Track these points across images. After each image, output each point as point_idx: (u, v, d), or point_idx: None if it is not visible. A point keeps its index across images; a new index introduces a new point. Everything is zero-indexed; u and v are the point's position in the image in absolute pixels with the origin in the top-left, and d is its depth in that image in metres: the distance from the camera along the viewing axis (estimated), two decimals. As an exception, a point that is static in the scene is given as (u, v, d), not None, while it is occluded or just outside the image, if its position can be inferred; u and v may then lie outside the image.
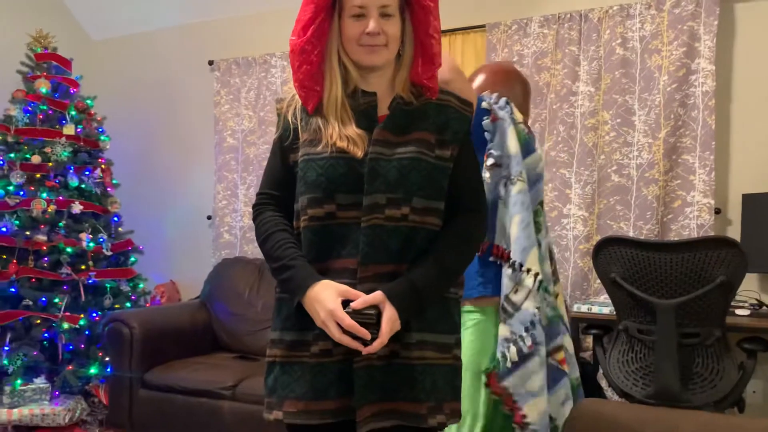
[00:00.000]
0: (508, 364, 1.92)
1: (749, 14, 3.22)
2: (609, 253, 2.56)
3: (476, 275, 1.99)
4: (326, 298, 1.36)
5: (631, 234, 3.29)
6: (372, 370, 1.39)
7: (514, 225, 1.97)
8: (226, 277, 3.98)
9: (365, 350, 1.35)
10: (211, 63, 4.54)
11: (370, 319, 1.33)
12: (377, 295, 1.36)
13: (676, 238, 3.20)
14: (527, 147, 2.08)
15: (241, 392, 3.14)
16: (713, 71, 3.17)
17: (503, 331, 1.95)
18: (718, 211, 3.19)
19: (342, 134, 1.44)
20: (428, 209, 1.45)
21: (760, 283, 3.15)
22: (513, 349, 1.92)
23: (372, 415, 1.39)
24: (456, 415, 1.47)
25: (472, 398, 1.97)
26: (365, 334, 1.33)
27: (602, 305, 2.96)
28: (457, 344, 1.52)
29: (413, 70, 1.50)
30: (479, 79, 2.19)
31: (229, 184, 4.44)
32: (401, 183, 1.41)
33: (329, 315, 1.35)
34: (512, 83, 2.18)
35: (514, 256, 1.96)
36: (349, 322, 1.33)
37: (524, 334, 1.93)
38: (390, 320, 1.35)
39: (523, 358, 1.93)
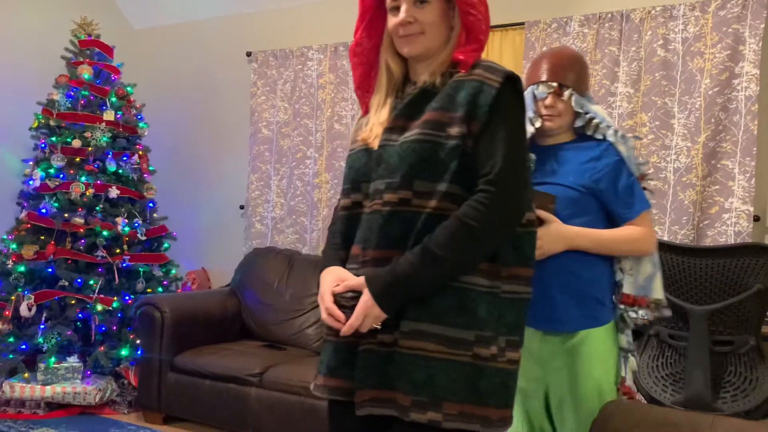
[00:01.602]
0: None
1: (797, 18, 3.14)
2: (643, 256, 2.52)
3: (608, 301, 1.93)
4: (323, 282, 1.46)
5: (665, 239, 3.24)
6: (371, 354, 1.39)
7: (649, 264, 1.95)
8: (256, 267, 4.02)
9: (342, 331, 1.39)
10: (249, 54, 4.58)
11: (347, 302, 1.39)
12: (359, 280, 1.39)
13: (711, 244, 3.14)
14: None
15: (268, 380, 3.17)
16: (757, 75, 3.10)
17: (622, 341, 1.95)
18: (757, 219, 3.12)
19: (371, 127, 1.49)
20: (434, 193, 1.37)
21: (798, 294, 3.08)
22: (632, 359, 1.93)
23: (370, 400, 1.38)
24: (471, 421, 1.33)
25: None
26: (339, 316, 1.39)
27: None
28: (482, 341, 1.35)
29: (455, 50, 1.46)
30: (545, 68, 2.04)
31: (262, 174, 4.48)
32: (400, 167, 1.40)
33: (319, 297, 1.45)
34: (583, 64, 2.03)
35: (658, 294, 1.95)
36: (327, 304, 1.41)
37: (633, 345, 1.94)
38: (363, 305, 1.36)
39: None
